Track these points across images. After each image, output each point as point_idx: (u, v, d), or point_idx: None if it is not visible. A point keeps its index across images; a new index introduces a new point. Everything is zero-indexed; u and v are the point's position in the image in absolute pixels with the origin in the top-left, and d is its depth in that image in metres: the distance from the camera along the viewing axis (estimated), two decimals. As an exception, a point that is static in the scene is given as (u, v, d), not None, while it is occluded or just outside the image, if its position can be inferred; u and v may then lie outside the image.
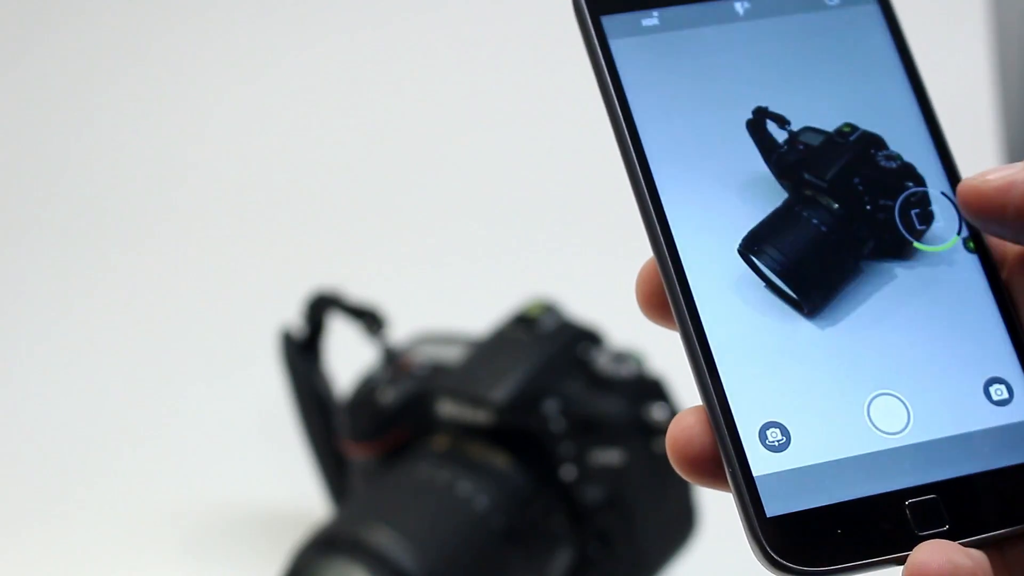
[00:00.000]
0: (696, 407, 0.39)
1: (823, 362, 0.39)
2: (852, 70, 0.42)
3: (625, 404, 0.84)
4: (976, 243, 0.40)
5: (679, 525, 0.87)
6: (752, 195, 0.40)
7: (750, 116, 0.40)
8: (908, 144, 0.41)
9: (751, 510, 0.37)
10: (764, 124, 0.40)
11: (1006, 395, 0.39)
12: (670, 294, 0.39)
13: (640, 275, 0.40)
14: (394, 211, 1.30)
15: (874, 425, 0.38)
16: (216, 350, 1.16)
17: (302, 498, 0.98)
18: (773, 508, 0.37)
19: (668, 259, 0.39)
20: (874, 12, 0.42)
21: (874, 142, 0.41)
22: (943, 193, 0.41)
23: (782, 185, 0.40)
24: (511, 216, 1.27)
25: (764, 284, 0.39)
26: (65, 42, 1.43)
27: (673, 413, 0.84)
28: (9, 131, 1.39)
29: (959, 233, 0.40)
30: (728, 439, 0.38)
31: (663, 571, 0.87)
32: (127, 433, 1.08)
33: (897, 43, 0.42)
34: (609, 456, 0.83)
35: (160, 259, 1.27)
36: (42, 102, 1.41)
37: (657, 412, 0.84)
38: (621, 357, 0.85)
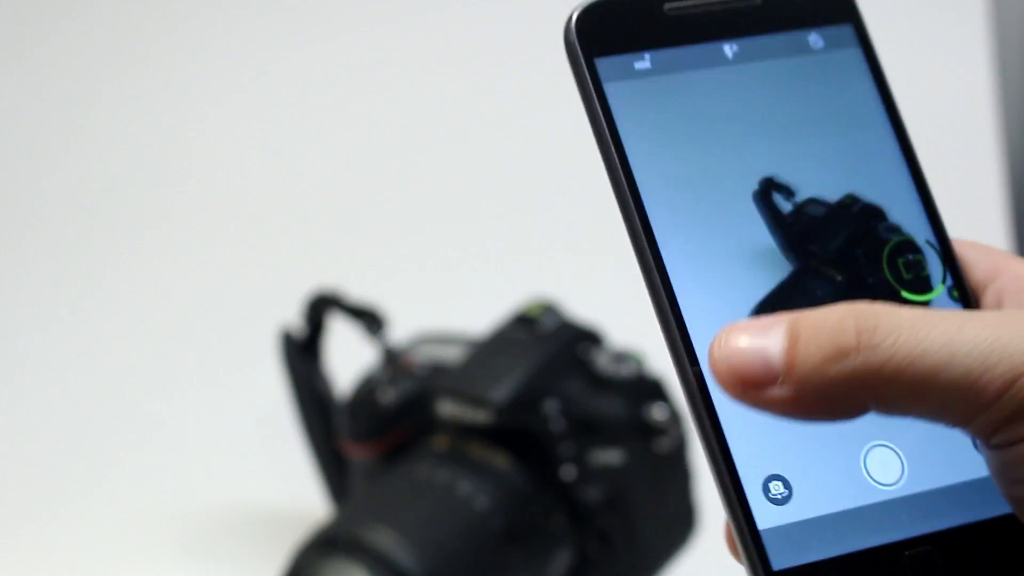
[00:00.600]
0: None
1: None
2: (837, 117, 0.42)
3: (625, 404, 0.84)
4: (960, 292, 0.41)
5: (679, 525, 0.87)
6: (752, 258, 0.40)
7: (756, 187, 0.41)
8: (892, 195, 0.41)
9: (757, 564, 0.37)
10: (771, 195, 0.41)
11: None
12: (671, 350, 0.39)
13: None
14: (394, 211, 1.30)
15: (871, 477, 0.39)
16: (216, 350, 1.16)
17: (302, 498, 0.98)
18: (779, 562, 0.37)
19: (669, 311, 0.39)
20: (857, 57, 0.42)
21: (875, 214, 0.41)
22: (928, 242, 0.41)
23: (787, 256, 0.40)
24: (511, 216, 1.27)
25: None
26: (65, 42, 1.43)
27: (673, 413, 0.84)
28: (9, 132, 1.39)
29: (943, 282, 0.41)
30: (732, 492, 0.38)
31: (663, 571, 0.87)
32: (127, 433, 1.08)
33: (880, 88, 0.42)
34: (609, 456, 0.83)
35: (160, 259, 1.27)
36: (43, 102, 1.41)
37: (657, 412, 0.84)
38: (621, 357, 0.85)
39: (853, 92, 0.42)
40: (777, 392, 0.35)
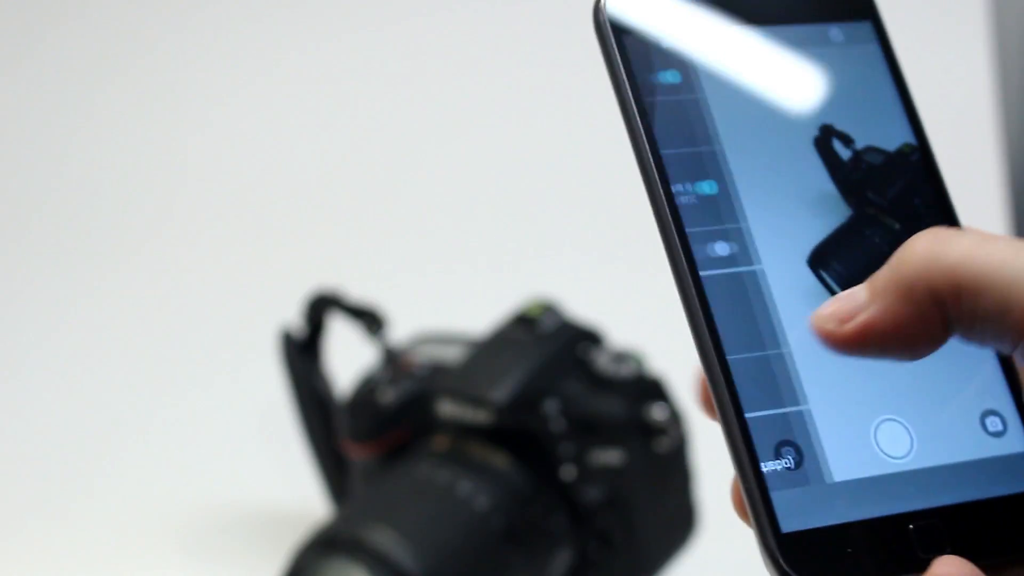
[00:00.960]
0: None
1: (835, 386, 0.40)
2: (858, 106, 0.43)
3: (625, 404, 0.84)
4: None
5: (679, 525, 0.87)
6: (773, 231, 0.41)
7: (816, 133, 0.42)
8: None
9: (767, 526, 0.38)
10: (830, 142, 0.42)
11: (1000, 427, 0.40)
12: (689, 314, 0.40)
13: (700, 380, 0.41)
14: (394, 211, 1.30)
15: (881, 449, 0.40)
16: (216, 350, 1.16)
17: (302, 498, 0.98)
18: (788, 524, 0.38)
19: (689, 278, 0.40)
20: (875, 53, 0.44)
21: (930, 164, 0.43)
22: None
23: (847, 202, 0.41)
24: (511, 216, 1.28)
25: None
26: (66, 43, 1.43)
27: (673, 413, 0.84)
28: (10, 132, 1.39)
29: None
30: (745, 455, 0.38)
31: (663, 571, 0.87)
32: (127, 433, 1.08)
33: (897, 84, 0.44)
34: (609, 456, 0.83)
35: (161, 259, 1.27)
36: (43, 103, 1.41)
37: (657, 412, 0.84)
38: (621, 357, 0.85)
39: (872, 85, 0.43)
40: (867, 315, 0.38)
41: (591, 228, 1.23)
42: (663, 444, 0.84)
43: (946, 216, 0.42)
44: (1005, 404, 0.41)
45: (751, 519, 0.38)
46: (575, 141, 1.27)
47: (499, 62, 1.39)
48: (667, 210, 0.40)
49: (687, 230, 0.40)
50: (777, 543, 0.38)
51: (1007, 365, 0.41)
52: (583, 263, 1.19)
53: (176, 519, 0.99)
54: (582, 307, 0.91)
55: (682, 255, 0.40)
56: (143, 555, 0.97)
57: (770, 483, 0.38)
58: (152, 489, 1.02)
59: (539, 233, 1.26)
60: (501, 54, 1.40)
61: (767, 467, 0.38)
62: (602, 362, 0.85)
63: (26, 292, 1.25)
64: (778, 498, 0.38)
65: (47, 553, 0.97)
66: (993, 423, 0.40)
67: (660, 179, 0.40)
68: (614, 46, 0.42)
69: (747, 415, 0.39)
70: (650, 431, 0.84)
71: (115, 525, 0.99)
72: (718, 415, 0.39)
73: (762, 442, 0.39)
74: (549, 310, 0.87)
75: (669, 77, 0.42)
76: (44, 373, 1.15)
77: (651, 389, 0.85)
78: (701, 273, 0.40)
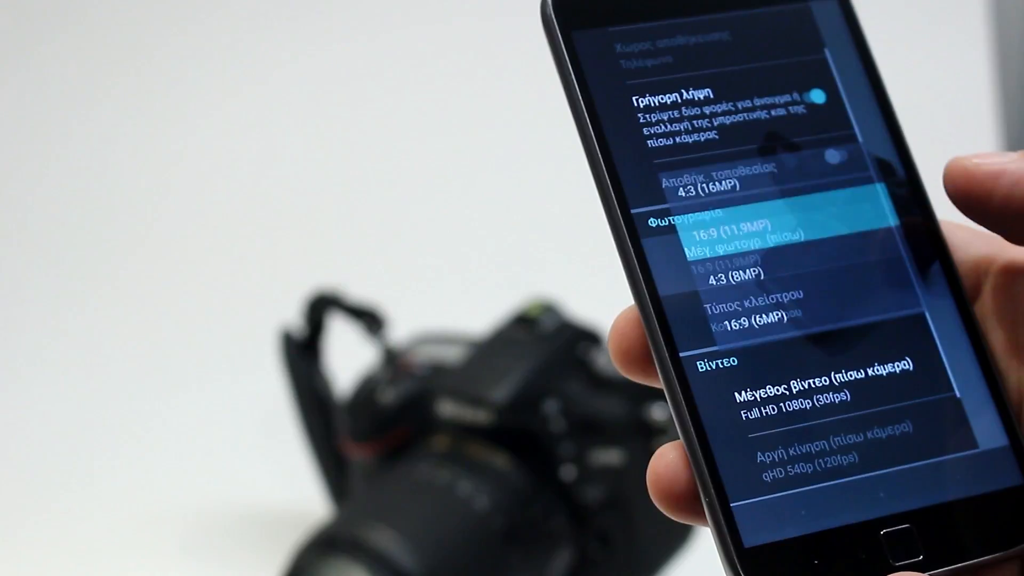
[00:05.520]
0: (676, 442, 0.38)
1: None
2: (817, 88, 0.41)
3: (625, 404, 0.84)
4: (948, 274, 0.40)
5: (679, 525, 0.87)
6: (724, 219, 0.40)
7: (767, 139, 0.40)
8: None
9: (728, 540, 0.36)
10: (779, 151, 0.40)
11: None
12: (649, 332, 0.38)
13: (615, 328, 0.39)
14: (394, 211, 1.30)
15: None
16: (216, 350, 1.16)
17: (302, 498, 0.98)
18: (750, 539, 0.36)
19: (648, 300, 0.38)
20: (841, 30, 0.41)
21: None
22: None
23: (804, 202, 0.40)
24: (511, 216, 1.28)
25: None
26: (64, 44, 1.43)
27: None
28: (8, 133, 1.39)
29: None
30: (705, 468, 0.37)
31: (663, 571, 0.87)
32: (128, 433, 1.08)
33: (864, 63, 0.41)
34: (609, 456, 0.83)
35: (161, 260, 1.27)
36: (43, 104, 1.41)
37: (657, 412, 0.84)
38: (621, 357, 0.85)
39: (836, 63, 0.41)
40: (1012, 162, 0.36)
41: (592, 228, 1.23)
42: (663, 444, 0.84)
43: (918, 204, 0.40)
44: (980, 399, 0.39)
45: (712, 532, 0.37)
46: (576, 141, 1.27)
47: (500, 62, 1.39)
48: (629, 243, 0.39)
49: (631, 211, 0.39)
50: (740, 558, 0.36)
51: (982, 357, 0.39)
52: (583, 263, 1.19)
53: (176, 519, 0.99)
54: (582, 307, 0.91)
55: (641, 277, 0.38)
56: (143, 555, 0.97)
57: (732, 495, 0.37)
58: (152, 489, 1.02)
59: (539, 233, 1.26)
60: (501, 55, 1.40)
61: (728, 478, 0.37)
62: (602, 362, 0.85)
63: (28, 294, 1.25)
64: (740, 511, 0.37)
65: (48, 553, 0.97)
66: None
67: (608, 170, 0.39)
68: (560, 40, 0.40)
69: (706, 425, 0.37)
70: (650, 431, 0.84)
71: (116, 525, 0.99)
72: (678, 428, 0.38)
73: (722, 452, 0.37)
74: (549, 310, 0.87)
75: (617, 69, 0.40)
76: (45, 373, 1.15)
77: (651, 389, 0.84)
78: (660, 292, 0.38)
